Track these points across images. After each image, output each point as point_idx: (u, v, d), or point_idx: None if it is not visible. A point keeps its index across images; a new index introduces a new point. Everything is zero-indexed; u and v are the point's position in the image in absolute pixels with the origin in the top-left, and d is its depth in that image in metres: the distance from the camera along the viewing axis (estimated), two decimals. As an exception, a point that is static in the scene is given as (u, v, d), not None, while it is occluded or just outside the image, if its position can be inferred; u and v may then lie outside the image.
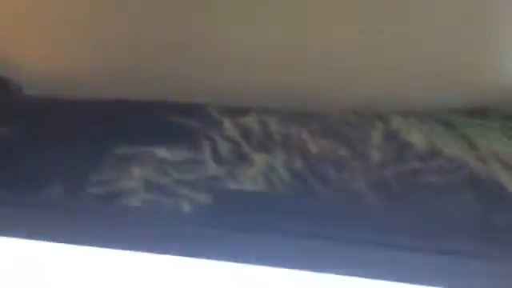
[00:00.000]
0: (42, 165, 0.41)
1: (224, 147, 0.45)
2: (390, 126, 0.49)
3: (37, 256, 0.35)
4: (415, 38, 0.55)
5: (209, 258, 0.35)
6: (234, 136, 0.46)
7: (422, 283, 0.35)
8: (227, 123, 0.47)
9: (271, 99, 0.55)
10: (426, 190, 0.42)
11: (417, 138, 0.48)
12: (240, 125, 0.48)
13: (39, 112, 0.46)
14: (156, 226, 0.36)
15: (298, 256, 0.36)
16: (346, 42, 0.55)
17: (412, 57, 0.56)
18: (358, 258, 0.36)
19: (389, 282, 0.35)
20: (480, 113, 0.52)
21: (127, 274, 0.34)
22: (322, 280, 0.35)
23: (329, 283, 0.35)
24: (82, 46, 0.55)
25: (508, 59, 0.55)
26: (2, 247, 0.35)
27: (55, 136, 0.43)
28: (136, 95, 0.52)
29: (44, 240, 0.35)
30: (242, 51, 0.55)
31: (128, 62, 0.55)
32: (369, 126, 0.49)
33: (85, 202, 0.38)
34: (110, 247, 0.36)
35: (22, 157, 0.41)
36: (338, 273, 0.35)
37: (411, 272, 0.36)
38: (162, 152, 0.43)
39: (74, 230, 0.36)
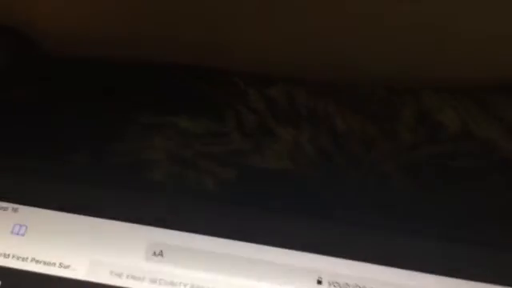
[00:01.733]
0: (67, 130, 0.40)
1: (249, 119, 0.44)
2: (422, 104, 0.47)
3: (55, 225, 0.34)
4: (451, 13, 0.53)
5: (230, 237, 0.35)
6: (260, 108, 0.45)
7: (450, 275, 0.34)
8: (252, 94, 0.46)
9: (297, 68, 0.53)
10: (457, 175, 0.41)
11: (449, 117, 0.46)
12: (266, 96, 0.46)
13: (64, 73, 0.45)
14: (179, 202, 0.36)
15: (322, 241, 0.35)
16: (379, 11, 0.52)
17: (447, 31, 0.54)
18: (383, 246, 0.35)
19: (415, 271, 0.35)
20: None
21: (144, 248, 0.34)
22: (344, 266, 0.35)
23: (353, 270, 0.35)
24: (101, 4, 0.53)
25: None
26: (29, 216, 0.35)
27: (80, 99, 0.42)
28: (157, 58, 0.51)
29: (62, 211, 0.35)
30: (268, 18, 0.53)
31: (149, 23, 0.53)
32: (399, 102, 0.47)
33: (106, 175, 0.37)
34: (132, 222, 0.35)
35: (46, 121, 0.40)
36: (360, 259, 0.35)
37: (439, 262, 0.35)
38: (186, 122, 0.42)
39: (94, 202, 0.35)
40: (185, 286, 0.33)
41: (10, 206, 0.35)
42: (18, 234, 0.34)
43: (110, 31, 0.53)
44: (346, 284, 0.34)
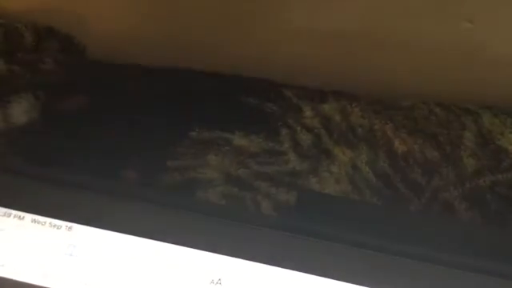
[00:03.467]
0: (117, 144, 0.38)
1: (304, 138, 0.42)
2: (482, 126, 0.45)
3: (106, 246, 0.33)
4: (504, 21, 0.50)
5: (288, 267, 0.33)
6: (314, 125, 0.43)
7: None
8: (307, 110, 0.44)
9: (346, 82, 0.52)
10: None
11: (511, 142, 0.44)
12: (320, 113, 0.44)
13: (112, 80, 0.43)
14: (236, 227, 0.34)
15: (383, 274, 0.33)
16: (434, 27, 0.51)
17: (499, 43, 0.52)
18: (446, 281, 0.34)
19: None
20: None
21: (199, 274, 0.33)
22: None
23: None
24: (150, 9, 0.52)
25: None
26: (77, 234, 0.33)
27: (131, 109, 0.41)
28: (205, 67, 0.49)
29: (115, 231, 0.34)
30: (319, 28, 0.51)
31: (197, 31, 0.52)
32: (459, 123, 0.45)
33: (162, 194, 0.36)
34: (186, 246, 0.34)
35: (95, 134, 0.39)
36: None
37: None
38: (240, 139, 0.41)
39: (150, 223, 0.34)
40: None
41: (64, 224, 0.34)
42: (71, 254, 0.33)
43: (158, 37, 0.52)
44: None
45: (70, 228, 0.33)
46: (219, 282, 0.32)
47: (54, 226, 0.33)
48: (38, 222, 0.34)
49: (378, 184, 0.40)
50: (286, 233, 0.34)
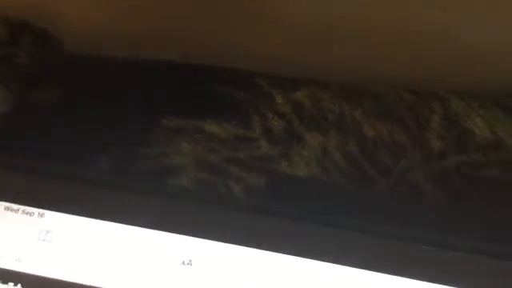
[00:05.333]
0: (90, 133, 0.39)
1: (275, 124, 0.43)
2: (449, 110, 0.46)
3: (78, 231, 0.34)
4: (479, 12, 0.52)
5: (259, 247, 0.34)
6: (286, 112, 0.44)
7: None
8: (279, 98, 0.45)
9: (320, 71, 0.52)
10: (488, 186, 0.40)
11: (478, 125, 0.45)
12: (292, 100, 0.45)
13: (86, 72, 0.44)
14: (208, 210, 0.35)
15: (353, 252, 0.34)
16: (406, 15, 0.52)
17: (473, 31, 0.53)
18: (410, 258, 0.35)
19: (441, 285, 0.34)
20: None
21: (175, 258, 0.33)
22: (370, 279, 0.34)
23: (377, 283, 0.34)
24: (126, 2, 0.52)
25: None
26: (50, 221, 0.34)
27: (104, 99, 0.41)
28: (180, 59, 0.50)
29: (87, 216, 0.34)
30: (295, 18, 0.52)
31: (173, 22, 0.52)
32: (427, 108, 0.46)
33: (133, 180, 0.36)
34: (158, 229, 0.34)
35: (69, 123, 0.40)
36: (386, 272, 0.34)
37: (469, 277, 0.34)
38: (212, 126, 0.42)
39: (123, 208, 0.35)
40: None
41: (36, 211, 0.34)
42: (44, 240, 0.33)
43: (135, 31, 0.52)
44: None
45: (43, 215, 0.34)
46: (190, 262, 0.33)
47: (27, 213, 0.34)
48: (12, 210, 0.34)
49: (347, 167, 0.41)
50: (257, 214, 0.35)
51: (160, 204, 0.35)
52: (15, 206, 0.34)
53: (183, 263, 0.33)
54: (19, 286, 0.32)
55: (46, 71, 0.43)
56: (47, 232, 0.33)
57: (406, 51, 0.53)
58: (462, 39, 0.52)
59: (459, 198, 0.39)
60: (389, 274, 0.34)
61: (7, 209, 0.34)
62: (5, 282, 0.33)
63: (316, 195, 0.38)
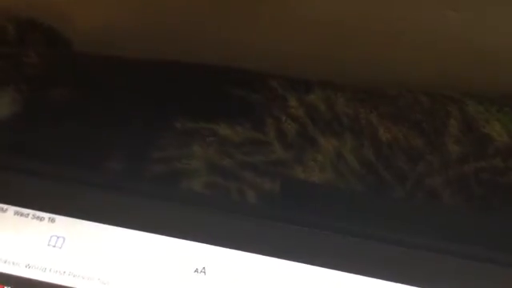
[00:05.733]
0: (102, 136, 0.38)
1: (289, 128, 0.42)
2: (467, 114, 0.45)
3: (89, 237, 0.33)
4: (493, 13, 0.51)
5: (273, 254, 0.33)
6: (299, 115, 0.43)
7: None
8: (292, 100, 0.44)
9: (334, 73, 0.51)
10: (508, 192, 0.39)
11: (496, 130, 0.44)
12: (305, 103, 0.44)
13: (97, 73, 0.43)
14: (220, 216, 0.34)
15: (368, 260, 0.33)
16: (420, 16, 0.51)
17: (487, 32, 0.52)
18: (429, 267, 0.34)
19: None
20: None
21: (185, 264, 0.33)
22: None
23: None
24: (136, 1, 0.52)
25: None
26: (60, 226, 0.33)
27: (115, 101, 0.41)
28: (192, 59, 0.49)
29: (98, 222, 0.34)
30: (309, 19, 0.51)
31: (184, 21, 0.51)
32: (444, 112, 0.45)
33: (146, 184, 0.36)
34: (170, 235, 0.34)
35: (80, 125, 0.39)
36: (403, 282, 0.33)
37: (483, 286, 0.33)
38: (224, 129, 0.41)
39: (134, 214, 0.34)
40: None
41: (47, 215, 0.33)
42: (55, 246, 0.33)
43: (143, 30, 0.51)
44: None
45: (53, 220, 0.33)
46: (203, 270, 0.32)
47: (38, 217, 0.33)
48: (22, 214, 0.34)
49: (363, 171, 0.40)
50: (271, 221, 0.34)
51: (172, 210, 0.34)
52: (25, 211, 0.33)
53: (196, 271, 0.32)
54: (29, 292, 0.31)
55: (56, 71, 0.43)
56: (58, 238, 0.33)
57: (419, 52, 0.53)
58: (475, 40, 0.52)
59: (478, 205, 0.38)
60: (405, 284, 0.33)
61: (17, 213, 0.33)
62: (15, 288, 0.32)
63: (331, 201, 0.37)
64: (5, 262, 0.32)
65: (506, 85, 0.51)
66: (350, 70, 0.52)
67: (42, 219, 0.33)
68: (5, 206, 0.34)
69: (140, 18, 0.51)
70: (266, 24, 0.51)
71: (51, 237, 0.33)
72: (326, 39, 0.51)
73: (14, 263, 0.32)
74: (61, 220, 0.33)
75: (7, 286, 0.32)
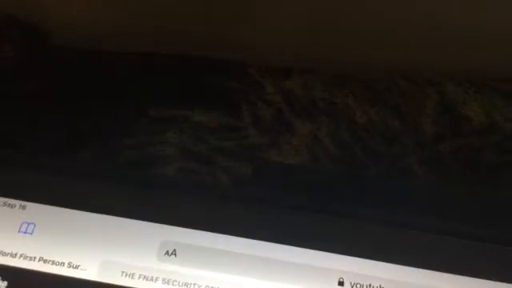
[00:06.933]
0: (74, 124, 0.38)
1: (265, 113, 0.42)
2: (445, 96, 0.45)
3: (61, 223, 0.33)
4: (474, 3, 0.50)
5: (246, 236, 0.33)
6: (276, 101, 0.43)
7: (472, 275, 0.33)
8: (269, 87, 0.44)
9: (312, 59, 0.51)
10: (483, 170, 0.39)
11: (474, 110, 0.44)
12: (282, 88, 0.44)
13: (73, 65, 0.43)
14: (192, 199, 0.34)
15: (342, 240, 0.33)
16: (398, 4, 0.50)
17: (472, 16, 0.52)
18: (405, 245, 0.34)
19: (433, 271, 0.33)
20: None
21: (156, 247, 0.33)
22: (366, 266, 0.33)
23: (375, 270, 0.33)
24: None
25: None
26: (31, 213, 0.33)
27: (91, 93, 0.41)
28: (169, 51, 0.49)
29: (70, 208, 0.34)
30: (286, 7, 0.51)
31: (159, 15, 0.51)
32: (422, 94, 0.45)
33: (117, 171, 0.36)
34: (142, 219, 0.34)
35: (52, 112, 0.39)
36: (381, 259, 0.33)
37: (462, 262, 0.33)
38: (200, 116, 0.41)
39: (106, 199, 0.34)
40: (199, 286, 0.32)
41: (18, 203, 0.34)
42: (25, 232, 0.33)
43: (121, 24, 0.51)
44: (369, 285, 0.32)
45: (24, 207, 0.33)
46: (174, 252, 0.32)
47: (9, 205, 0.33)
48: (-7, 202, 0.34)
49: (338, 153, 0.40)
50: (244, 204, 0.34)
51: (143, 194, 0.34)
52: (-4, 199, 0.33)
53: (167, 253, 0.32)
54: (0, 279, 0.31)
55: (31, 64, 0.43)
56: (28, 224, 0.33)
57: (400, 36, 0.53)
58: (460, 24, 0.51)
59: (454, 182, 0.38)
60: (384, 261, 0.33)
61: (-12, 201, 0.33)
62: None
63: (305, 182, 0.37)
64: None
65: (491, 70, 0.51)
66: (329, 57, 0.52)
67: (13, 206, 0.33)
68: (-24, 195, 0.34)
69: (116, 12, 0.51)
70: (243, 13, 0.51)
71: (22, 223, 0.33)
72: (303, 26, 0.51)
73: (-16, 250, 0.32)
74: (32, 207, 0.33)
75: (-23, 272, 0.32)
